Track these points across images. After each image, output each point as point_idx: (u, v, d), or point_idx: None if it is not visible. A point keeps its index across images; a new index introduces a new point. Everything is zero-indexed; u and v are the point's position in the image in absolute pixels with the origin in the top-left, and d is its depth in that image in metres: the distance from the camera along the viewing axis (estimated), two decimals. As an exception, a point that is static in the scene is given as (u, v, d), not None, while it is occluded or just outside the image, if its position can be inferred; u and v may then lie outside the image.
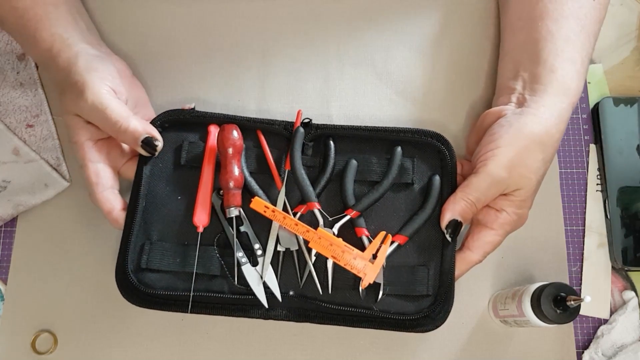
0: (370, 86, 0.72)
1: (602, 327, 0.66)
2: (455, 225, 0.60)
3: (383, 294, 0.61)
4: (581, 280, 0.68)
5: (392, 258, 0.61)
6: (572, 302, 0.56)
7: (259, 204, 0.61)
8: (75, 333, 0.65)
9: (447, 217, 0.60)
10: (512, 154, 0.59)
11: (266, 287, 0.61)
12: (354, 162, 0.64)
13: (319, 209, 0.62)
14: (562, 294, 0.57)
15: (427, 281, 0.61)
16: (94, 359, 0.65)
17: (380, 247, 0.60)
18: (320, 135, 0.65)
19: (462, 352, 0.65)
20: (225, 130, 0.62)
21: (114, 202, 0.61)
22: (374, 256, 0.60)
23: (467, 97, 0.72)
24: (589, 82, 0.74)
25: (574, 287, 0.66)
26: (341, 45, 0.74)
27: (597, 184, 0.71)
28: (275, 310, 0.61)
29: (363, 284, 0.59)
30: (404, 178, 0.64)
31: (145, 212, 0.63)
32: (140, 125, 0.60)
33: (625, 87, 0.75)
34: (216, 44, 0.73)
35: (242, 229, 0.62)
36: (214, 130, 0.65)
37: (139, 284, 0.60)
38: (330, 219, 0.62)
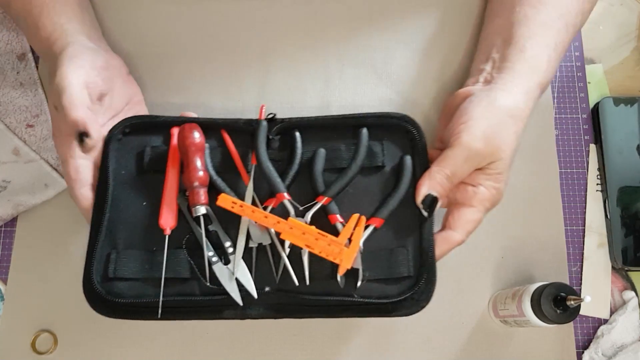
0: (370, 86, 0.72)
1: (602, 327, 0.66)
2: (431, 201, 0.58)
3: (362, 280, 0.58)
4: (581, 280, 0.68)
5: (370, 242, 0.59)
6: (572, 302, 0.56)
7: (226, 200, 0.58)
8: (75, 333, 0.65)
9: (422, 192, 0.59)
10: (486, 126, 0.58)
11: (241, 286, 0.58)
12: (322, 151, 0.62)
13: (288, 199, 0.59)
14: (562, 294, 0.57)
15: (407, 262, 0.59)
16: (94, 359, 0.65)
17: (354, 230, 0.58)
18: (286, 128, 0.63)
19: (462, 352, 0.65)
20: (185, 129, 0.60)
21: (91, 200, 0.60)
22: (350, 241, 0.58)
23: (467, 97, 0.72)
24: (589, 82, 0.74)
25: (574, 287, 0.66)
26: (341, 45, 0.74)
27: (597, 184, 0.71)
28: (252, 309, 0.58)
29: (340, 271, 0.57)
30: (374, 162, 0.62)
31: (110, 221, 0.60)
32: (83, 117, 0.58)
33: (625, 87, 0.74)
34: (216, 44, 0.73)
35: (211, 228, 0.60)
36: (176, 133, 0.63)
37: (107, 295, 0.58)
38: (300, 208, 0.60)
